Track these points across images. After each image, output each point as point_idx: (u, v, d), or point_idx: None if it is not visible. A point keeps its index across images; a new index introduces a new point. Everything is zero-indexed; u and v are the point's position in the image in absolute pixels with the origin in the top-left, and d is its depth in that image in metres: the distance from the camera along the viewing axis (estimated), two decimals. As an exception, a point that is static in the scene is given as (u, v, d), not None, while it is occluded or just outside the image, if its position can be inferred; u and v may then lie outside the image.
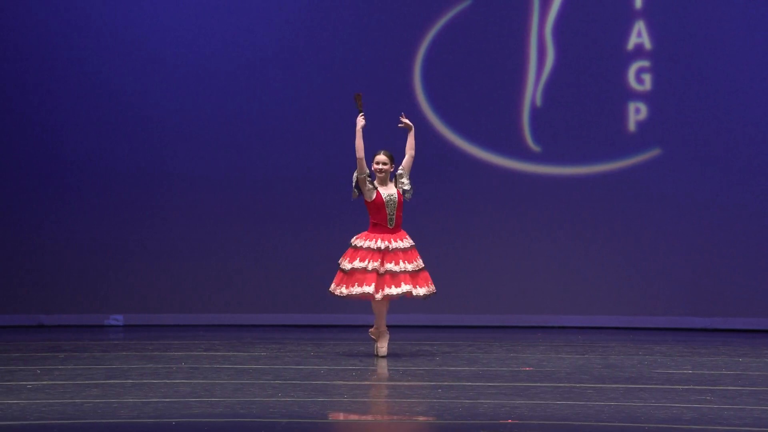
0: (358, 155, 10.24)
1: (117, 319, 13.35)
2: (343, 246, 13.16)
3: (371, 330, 10.45)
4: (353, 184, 10.31)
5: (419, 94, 13.18)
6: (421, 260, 10.29)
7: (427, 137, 13.15)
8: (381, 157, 10.33)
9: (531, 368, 9.85)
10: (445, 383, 9.10)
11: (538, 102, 13.06)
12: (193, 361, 10.21)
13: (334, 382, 9.05)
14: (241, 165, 13.27)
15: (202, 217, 13.28)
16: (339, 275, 10.26)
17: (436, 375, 9.51)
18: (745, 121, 12.81)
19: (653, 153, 12.97)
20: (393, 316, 13.24)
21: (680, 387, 8.80)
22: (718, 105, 12.83)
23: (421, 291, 10.21)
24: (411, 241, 10.31)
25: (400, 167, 10.44)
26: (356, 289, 10.10)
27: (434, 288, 10.31)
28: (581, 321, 13.03)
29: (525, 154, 13.09)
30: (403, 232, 10.30)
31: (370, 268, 10.10)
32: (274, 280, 13.26)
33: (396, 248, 10.21)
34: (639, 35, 12.92)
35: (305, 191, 13.22)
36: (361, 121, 10.39)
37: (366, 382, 9.11)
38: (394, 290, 10.09)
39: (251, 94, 13.25)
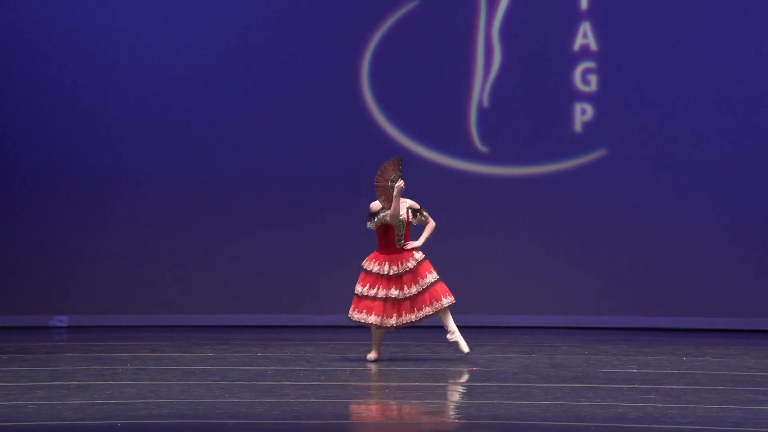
0: (392, 218, 10.01)
1: (61, 320, 13.24)
2: (289, 246, 13.17)
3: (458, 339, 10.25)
4: (373, 218, 10.08)
5: (367, 93, 13.18)
6: (432, 274, 10.12)
7: (374, 137, 13.16)
8: (401, 183, 10.06)
9: (478, 368, 9.88)
10: (393, 383, 9.10)
11: (486, 103, 13.11)
12: (139, 363, 10.15)
13: (282, 383, 9.03)
14: (186, 166, 13.20)
15: (147, 218, 13.20)
16: (355, 300, 10.14)
17: (384, 375, 9.51)
18: (689, 121, 12.93)
19: (599, 153, 13.06)
20: (337, 317, 13.25)
21: (625, 386, 8.86)
22: (663, 106, 12.94)
23: (425, 311, 10.07)
24: (420, 255, 10.14)
25: (425, 214, 10.19)
26: (363, 316, 10.04)
27: (447, 300, 10.06)
28: (528, 321, 13.09)
29: (472, 155, 13.13)
30: (410, 252, 10.14)
31: (380, 296, 10.03)
32: (221, 280, 13.20)
33: (404, 271, 10.08)
34: (585, 36, 13.00)
35: (250, 192, 13.18)
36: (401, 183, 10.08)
37: (313, 383, 9.09)
38: (394, 321, 10.03)
39: (198, 96, 13.18)
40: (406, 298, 10.08)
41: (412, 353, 10.79)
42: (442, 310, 10.07)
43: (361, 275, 10.16)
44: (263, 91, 13.18)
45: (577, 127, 13.07)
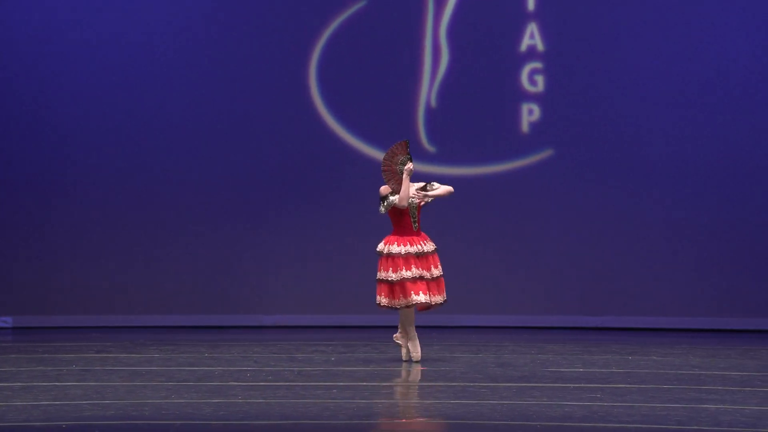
0: (402, 200, 9.93)
1: (6, 321, 13.12)
2: (236, 246, 13.12)
3: (396, 335, 10.22)
4: (383, 202, 10.01)
5: (314, 93, 13.17)
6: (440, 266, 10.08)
7: (322, 137, 13.15)
8: (411, 165, 10.02)
9: (425, 368, 9.90)
10: (341, 383, 9.10)
11: (433, 103, 13.14)
12: (85, 363, 10.08)
13: (229, 383, 9.00)
14: (129, 166, 13.11)
15: (93, 218, 13.11)
16: (385, 287, 9.92)
17: (332, 375, 9.51)
18: (635, 122, 13.04)
19: (546, 154, 13.13)
20: (285, 317, 13.21)
21: (571, 385, 8.92)
22: (609, 106, 13.04)
23: (438, 299, 10.01)
24: (434, 244, 10.08)
25: (436, 184, 10.12)
26: (415, 298, 9.82)
27: (445, 297, 10.04)
28: (475, 320, 13.13)
29: (420, 155, 13.15)
30: (424, 235, 10.06)
31: (421, 275, 9.86)
32: (167, 280, 13.13)
33: (427, 252, 9.96)
34: (532, 37, 13.07)
35: (198, 192, 13.12)
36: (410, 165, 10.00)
37: (261, 384, 9.07)
38: (437, 298, 9.93)
39: (144, 95, 13.10)
40: (430, 279, 9.94)
41: (360, 353, 10.80)
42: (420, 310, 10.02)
43: (381, 260, 9.95)
44: (209, 90, 13.12)
45: (524, 127, 13.13)
